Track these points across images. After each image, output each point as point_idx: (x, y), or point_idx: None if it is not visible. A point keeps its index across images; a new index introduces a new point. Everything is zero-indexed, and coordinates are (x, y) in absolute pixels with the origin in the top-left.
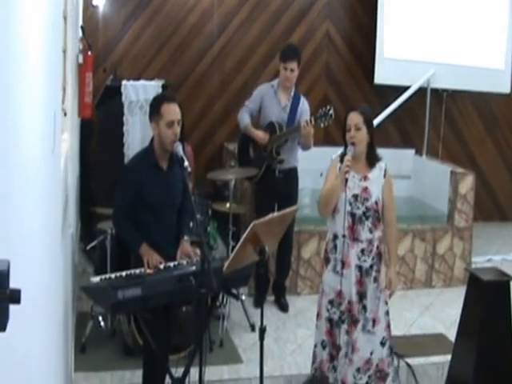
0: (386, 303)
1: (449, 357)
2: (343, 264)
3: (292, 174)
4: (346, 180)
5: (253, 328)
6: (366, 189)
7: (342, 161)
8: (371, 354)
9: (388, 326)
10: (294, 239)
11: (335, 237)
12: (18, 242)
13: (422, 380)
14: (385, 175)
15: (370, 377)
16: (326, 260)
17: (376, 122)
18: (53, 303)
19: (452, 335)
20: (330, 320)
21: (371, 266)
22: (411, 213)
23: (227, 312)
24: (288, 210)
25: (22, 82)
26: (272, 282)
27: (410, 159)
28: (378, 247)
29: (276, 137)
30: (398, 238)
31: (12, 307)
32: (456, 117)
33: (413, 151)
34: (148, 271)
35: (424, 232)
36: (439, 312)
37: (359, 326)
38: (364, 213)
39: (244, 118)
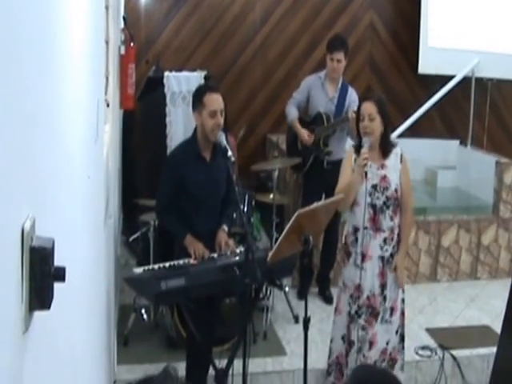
0: (403, 291)
1: (494, 349)
2: (363, 257)
3: (340, 166)
4: (366, 173)
5: (296, 320)
6: (384, 177)
7: (356, 152)
8: (387, 343)
9: (402, 313)
10: (338, 231)
11: (356, 229)
12: (61, 229)
13: (467, 372)
14: (401, 160)
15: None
16: (347, 254)
17: (420, 112)
18: (95, 293)
19: (498, 327)
20: (349, 314)
21: (391, 255)
22: (456, 203)
23: (271, 304)
24: (332, 198)
25: (65, 70)
26: (316, 274)
27: (455, 150)
28: (398, 235)
29: (323, 128)
30: (412, 225)
31: (55, 294)
32: (501, 106)
33: (457, 142)
34: (191, 262)
35: (469, 223)
36: (485, 304)
37: (379, 318)
38: (384, 202)
39: (291, 111)
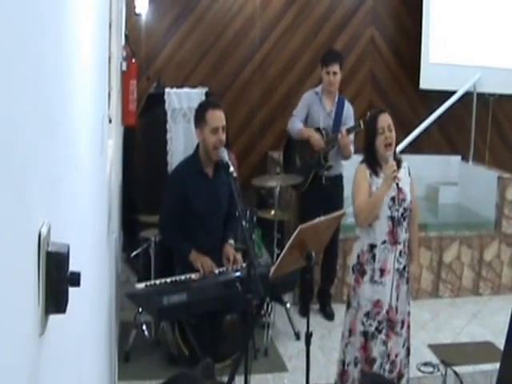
0: (409, 304)
1: (497, 365)
2: (382, 272)
3: (338, 181)
4: (398, 185)
5: (298, 336)
6: (400, 190)
7: (370, 168)
8: (396, 356)
9: (408, 326)
10: (339, 247)
11: (372, 246)
12: (73, 238)
13: None
14: (409, 173)
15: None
16: (362, 272)
17: (422, 127)
18: (97, 308)
19: (500, 343)
20: (364, 333)
21: (404, 268)
22: (458, 219)
23: (272, 320)
24: (335, 214)
25: (76, 84)
26: (317, 290)
27: (457, 166)
28: (408, 246)
29: (324, 142)
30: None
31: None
32: (503, 122)
33: (459, 157)
34: (193, 277)
35: (471, 239)
36: (487, 320)
37: (394, 331)
38: (402, 214)
39: (296, 124)
